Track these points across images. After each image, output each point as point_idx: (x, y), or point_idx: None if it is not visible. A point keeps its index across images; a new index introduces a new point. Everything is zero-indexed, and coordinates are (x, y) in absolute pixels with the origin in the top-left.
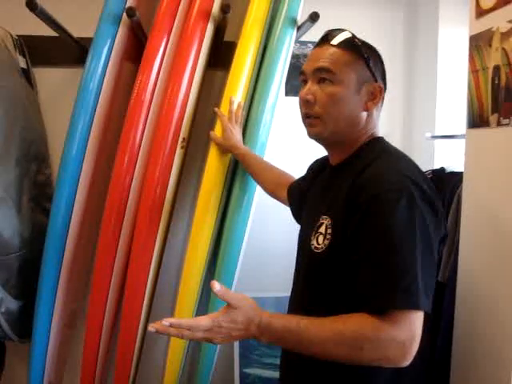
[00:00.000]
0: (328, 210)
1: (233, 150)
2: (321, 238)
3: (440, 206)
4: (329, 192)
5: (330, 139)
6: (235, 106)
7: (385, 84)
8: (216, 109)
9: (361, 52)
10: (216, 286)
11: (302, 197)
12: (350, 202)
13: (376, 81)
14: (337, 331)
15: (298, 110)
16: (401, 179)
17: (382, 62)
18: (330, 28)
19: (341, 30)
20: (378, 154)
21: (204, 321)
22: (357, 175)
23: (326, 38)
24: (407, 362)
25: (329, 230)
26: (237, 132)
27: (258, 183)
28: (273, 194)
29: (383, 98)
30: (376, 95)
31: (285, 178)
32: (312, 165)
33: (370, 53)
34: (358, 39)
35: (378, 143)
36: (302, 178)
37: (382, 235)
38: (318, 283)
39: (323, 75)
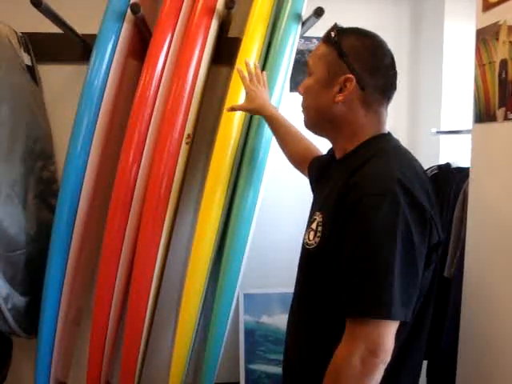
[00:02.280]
0: (321, 207)
1: (261, 112)
2: (312, 235)
3: (431, 213)
4: (326, 187)
5: (312, 130)
6: (252, 67)
7: (377, 75)
8: (238, 67)
9: (334, 44)
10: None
11: (319, 174)
12: (339, 202)
13: (353, 72)
14: None
15: None
16: (388, 183)
17: (373, 52)
18: (335, 23)
19: (336, 26)
20: (374, 152)
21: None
22: (350, 174)
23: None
24: (382, 362)
25: (319, 228)
26: (261, 92)
27: (283, 151)
28: (296, 165)
29: (384, 93)
30: (346, 87)
31: (310, 152)
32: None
33: (350, 43)
34: (341, 30)
35: (379, 141)
36: (322, 157)
37: (360, 241)
38: (309, 279)
39: (307, 69)
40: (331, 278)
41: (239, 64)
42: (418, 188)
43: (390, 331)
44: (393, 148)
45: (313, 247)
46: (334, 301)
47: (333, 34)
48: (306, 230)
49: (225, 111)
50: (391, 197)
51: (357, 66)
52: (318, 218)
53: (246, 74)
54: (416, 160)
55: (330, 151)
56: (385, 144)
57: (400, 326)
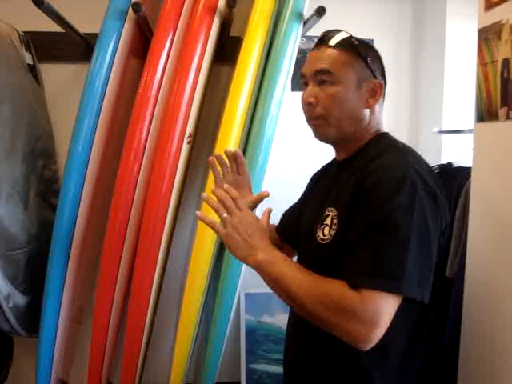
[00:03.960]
0: (334, 202)
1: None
2: (327, 230)
3: (443, 201)
4: (335, 185)
5: (335, 138)
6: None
7: (384, 80)
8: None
9: (358, 51)
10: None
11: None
12: (355, 192)
13: (376, 78)
14: (314, 282)
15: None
16: (405, 169)
17: (380, 59)
18: (336, 24)
19: (337, 31)
20: (384, 148)
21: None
22: (363, 168)
23: (323, 39)
24: (365, 345)
25: (335, 221)
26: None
27: None
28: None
29: (384, 94)
30: (376, 92)
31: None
32: (309, 182)
33: (367, 51)
34: (355, 38)
35: (385, 138)
36: (299, 199)
37: (378, 218)
38: (323, 274)
39: (323, 77)
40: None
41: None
42: (430, 177)
43: (393, 309)
44: (401, 144)
45: (328, 241)
46: None
47: (354, 41)
48: (318, 228)
49: (226, 110)
50: (409, 182)
51: (376, 71)
52: (332, 212)
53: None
54: (420, 155)
55: (313, 177)
56: (392, 141)
57: (410, 311)
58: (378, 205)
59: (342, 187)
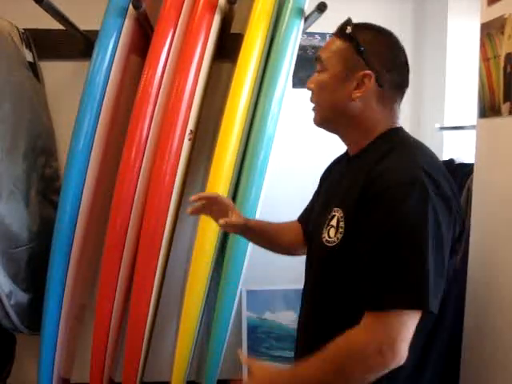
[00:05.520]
0: (341, 201)
1: (247, 223)
2: (332, 232)
3: (456, 203)
4: (342, 182)
5: (325, 127)
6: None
7: (394, 71)
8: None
9: (350, 38)
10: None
11: (325, 177)
12: (362, 195)
13: (371, 68)
14: (320, 363)
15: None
16: (415, 171)
17: (390, 48)
18: (339, 19)
19: (347, 20)
20: (394, 144)
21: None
22: (372, 167)
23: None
24: (395, 362)
25: (341, 224)
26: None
27: (276, 247)
28: (293, 247)
29: (397, 87)
30: (364, 83)
31: (290, 224)
32: (323, 174)
33: (365, 38)
34: (355, 25)
35: (395, 134)
36: (314, 196)
37: (390, 228)
38: (329, 277)
39: (317, 64)
40: (355, 274)
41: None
42: (442, 178)
43: (413, 325)
44: (412, 141)
45: (334, 244)
46: (358, 297)
47: (349, 28)
48: (324, 228)
49: (227, 107)
50: (420, 185)
51: (375, 63)
52: (338, 213)
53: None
54: (433, 152)
55: (327, 170)
56: (404, 137)
57: (421, 320)
58: (388, 211)
59: (350, 186)
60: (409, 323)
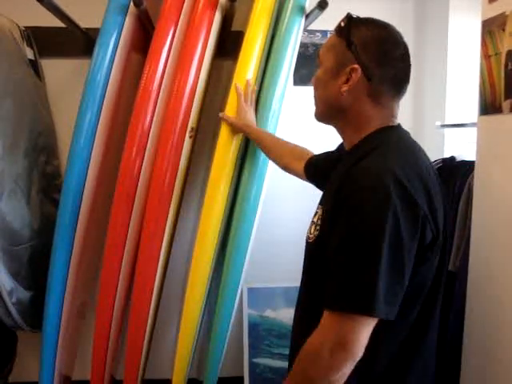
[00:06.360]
0: (324, 199)
1: (245, 129)
2: (313, 228)
3: (425, 211)
4: (331, 178)
5: (324, 122)
6: (251, 88)
7: (386, 66)
8: (237, 85)
9: (342, 34)
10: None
11: (325, 171)
12: (336, 195)
13: (359, 62)
14: (291, 372)
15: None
16: (382, 177)
17: (382, 42)
18: (339, 16)
19: (346, 15)
20: (376, 145)
21: None
22: (350, 167)
23: None
24: (349, 363)
25: (319, 221)
26: (251, 113)
27: (270, 158)
28: (287, 167)
29: (391, 82)
30: (351, 77)
31: (298, 150)
32: (340, 145)
33: (360, 33)
34: (352, 20)
35: (383, 133)
36: (325, 155)
37: (347, 234)
38: (310, 273)
39: (318, 60)
40: (324, 272)
41: (237, 80)
42: (416, 184)
43: (366, 329)
44: (396, 141)
45: (312, 240)
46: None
47: (342, 24)
48: (311, 223)
49: (227, 104)
50: (383, 190)
51: (364, 57)
52: (320, 211)
53: (242, 92)
54: (424, 154)
55: (340, 147)
56: (389, 137)
57: (396, 326)
58: (348, 217)
59: (331, 186)
60: (360, 326)
